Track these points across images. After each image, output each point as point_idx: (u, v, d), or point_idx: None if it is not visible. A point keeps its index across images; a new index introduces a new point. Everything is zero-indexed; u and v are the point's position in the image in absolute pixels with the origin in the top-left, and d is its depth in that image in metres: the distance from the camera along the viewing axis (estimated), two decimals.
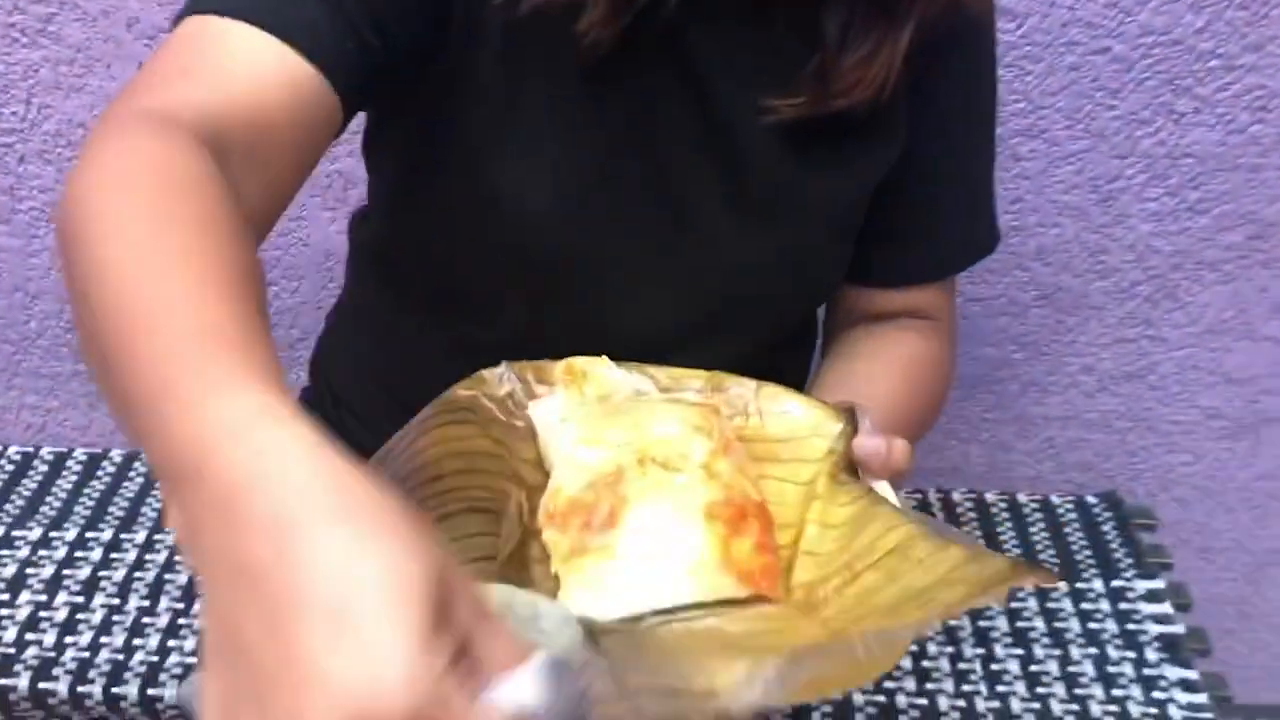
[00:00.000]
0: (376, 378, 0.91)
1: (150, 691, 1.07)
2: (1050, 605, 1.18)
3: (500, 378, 0.71)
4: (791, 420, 0.71)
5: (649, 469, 0.63)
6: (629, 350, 0.73)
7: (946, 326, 0.93)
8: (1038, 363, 1.38)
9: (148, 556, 1.22)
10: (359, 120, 0.75)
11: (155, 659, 1.10)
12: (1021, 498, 1.31)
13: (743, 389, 0.73)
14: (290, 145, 0.58)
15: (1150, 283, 1.28)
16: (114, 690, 1.07)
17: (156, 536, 1.24)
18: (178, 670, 1.09)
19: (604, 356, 0.72)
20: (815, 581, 0.61)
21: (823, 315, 0.96)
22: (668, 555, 0.59)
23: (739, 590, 0.60)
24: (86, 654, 1.10)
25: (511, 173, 0.72)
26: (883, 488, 0.66)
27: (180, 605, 1.16)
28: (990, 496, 1.31)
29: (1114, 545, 1.25)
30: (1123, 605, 1.19)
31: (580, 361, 0.72)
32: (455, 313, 0.83)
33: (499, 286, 0.79)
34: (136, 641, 1.12)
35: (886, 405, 0.77)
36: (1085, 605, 1.19)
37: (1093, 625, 1.16)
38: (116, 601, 1.16)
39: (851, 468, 0.67)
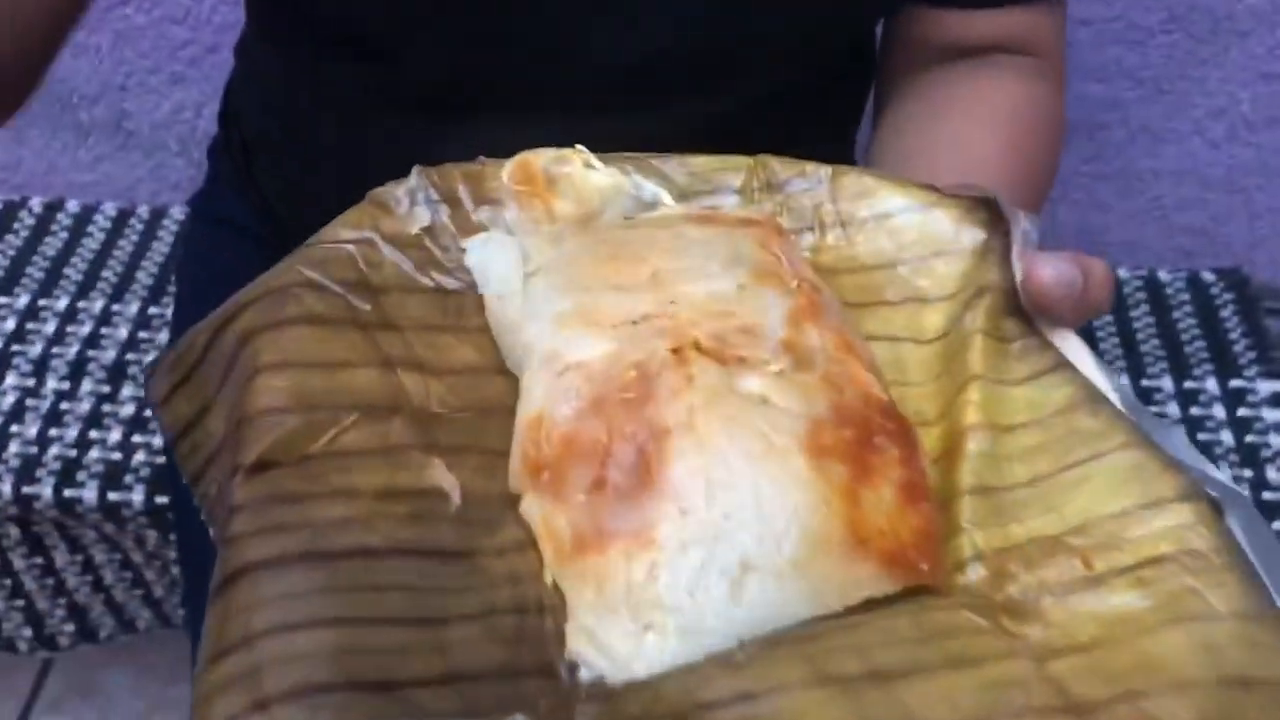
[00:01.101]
0: (282, 120, 0.71)
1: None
2: (1152, 409, 0.99)
3: (410, 198, 0.42)
4: (898, 230, 0.44)
5: (695, 367, 0.36)
6: (602, 97, 0.50)
7: (1055, 65, 0.66)
8: (1155, 104, 1.14)
9: (68, 328, 1.02)
10: None
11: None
12: (1122, 273, 1.09)
13: (810, 182, 0.45)
14: None
15: None
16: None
17: (81, 304, 1.03)
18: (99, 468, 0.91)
19: (579, 148, 0.45)
20: (1004, 551, 0.36)
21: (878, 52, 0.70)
22: (752, 537, 0.33)
23: (883, 583, 0.34)
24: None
25: None
26: (1071, 345, 0.40)
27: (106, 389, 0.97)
28: None
29: (1234, 335, 1.04)
30: (1242, 411, 0.98)
31: (542, 157, 0.44)
32: (350, 45, 0.61)
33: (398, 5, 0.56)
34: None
35: (990, 184, 0.53)
36: (1195, 410, 0.99)
37: (1203, 436, 0.97)
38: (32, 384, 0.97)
39: (1019, 310, 0.41)
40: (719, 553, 0.33)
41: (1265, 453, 0.96)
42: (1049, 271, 0.40)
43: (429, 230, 0.43)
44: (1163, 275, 1.09)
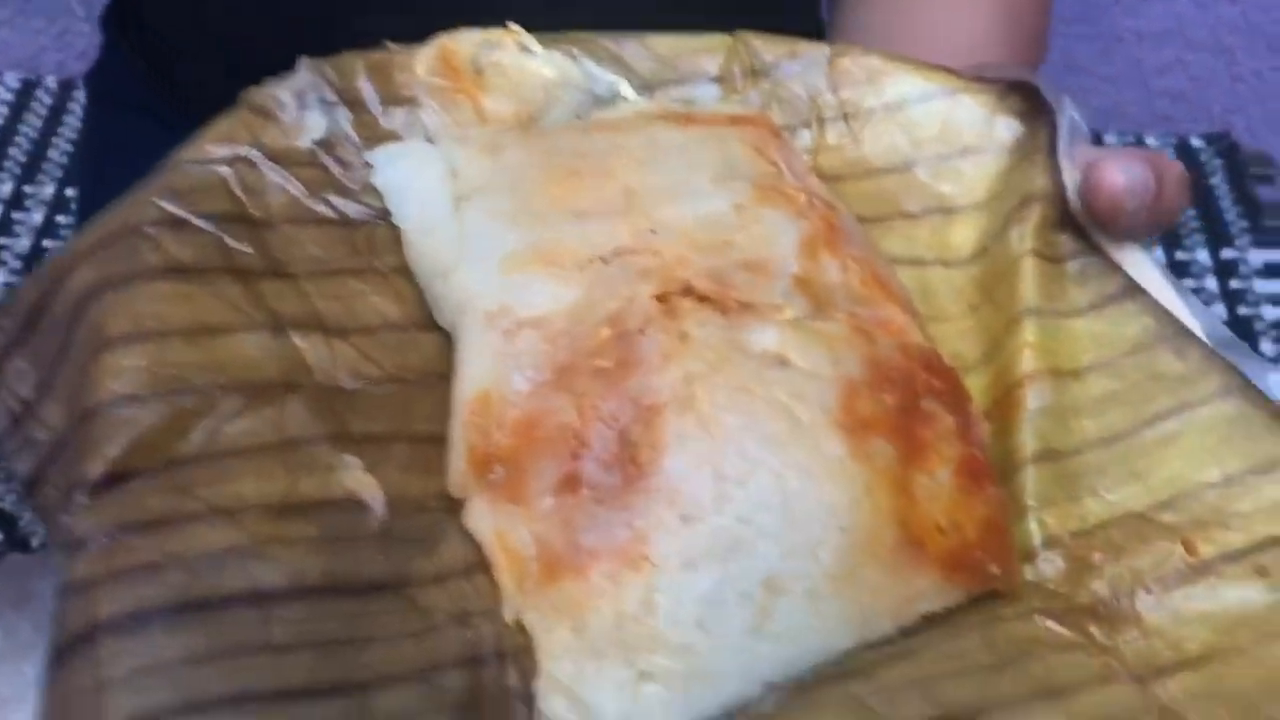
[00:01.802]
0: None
1: None
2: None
3: (298, 101, 0.33)
4: (914, 123, 0.36)
5: (689, 322, 0.27)
6: None
7: None
8: None
9: None
10: None
11: None
12: (1108, 139, 1.02)
13: (802, 63, 0.37)
14: None
15: None
16: None
17: None
18: None
19: (514, 26, 0.36)
20: (1081, 536, 0.29)
21: None
22: (778, 548, 0.25)
23: (944, 595, 0.27)
24: None
25: None
26: (1139, 264, 0.33)
27: None
28: None
29: (1225, 204, 0.99)
30: (1233, 284, 0.94)
31: (467, 42, 0.35)
32: None
33: None
34: None
35: (991, 58, 0.46)
36: (1188, 283, 0.94)
37: None
38: None
39: (1070, 220, 0.33)
40: (735, 571, 0.25)
41: (1258, 325, 0.92)
42: (1121, 177, 0.32)
43: (324, 143, 0.33)
44: (1150, 141, 1.03)
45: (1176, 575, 0.27)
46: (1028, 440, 0.30)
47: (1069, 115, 0.34)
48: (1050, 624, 0.27)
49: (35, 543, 0.98)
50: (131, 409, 0.27)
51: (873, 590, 0.25)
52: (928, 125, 0.36)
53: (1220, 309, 0.94)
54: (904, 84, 0.36)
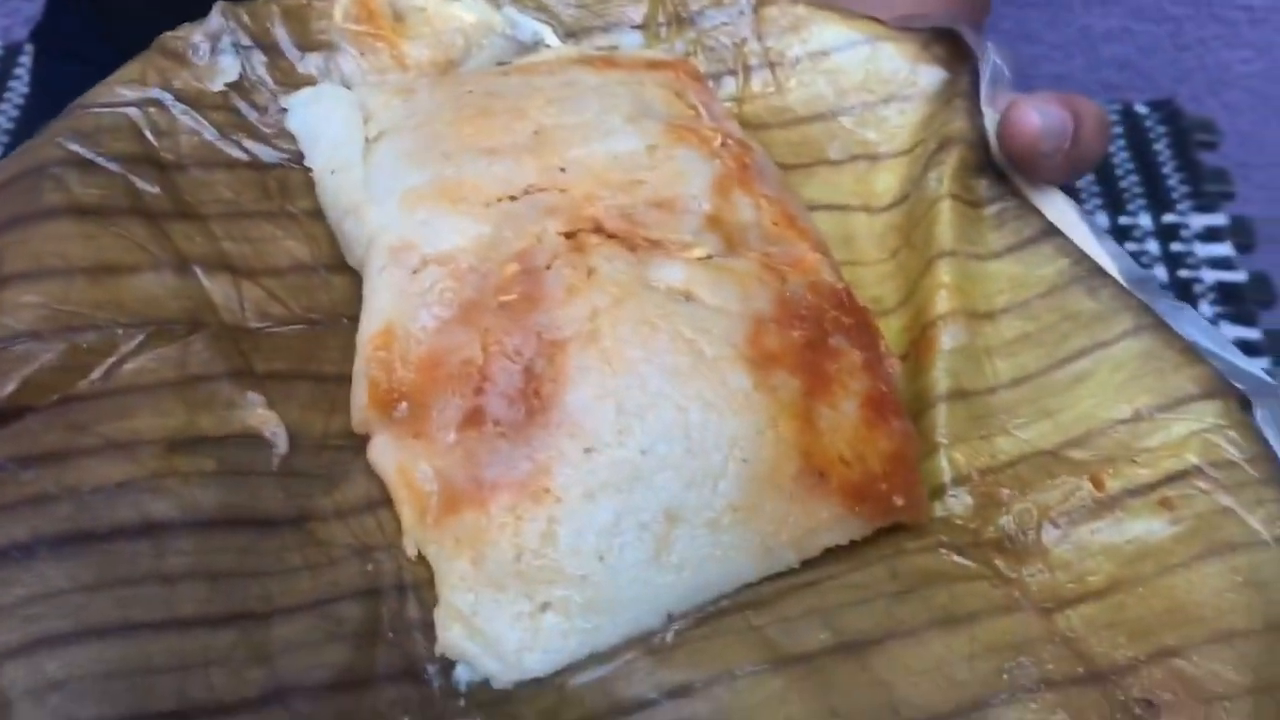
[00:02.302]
0: None
1: None
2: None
3: (210, 43, 0.33)
4: (838, 70, 0.36)
5: (597, 256, 0.27)
6: None
7: None
8: None
9: None
10: None
11: None
12: None
13: (727, 13, 0.37)
14: None
15: None
16: None
17: None
18: None
19: None
20: (990, 472, 0.29)
21: None
22: (680, 478, 0.25)
23: (848, 526, 0.27)
24: None
25: None
26: (1058, 206, 0.33)
27: None
28: None
29: (1167, 169, 1.01)
30: (1175, 246, 0.96)
31: None
32: None
33: None
34: None
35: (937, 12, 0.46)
36: (1130, 246, 0.96)
37: None
38: None
39: (991, 164, 0.33)
40: (636, 501, 0.25)
41: (1198, 287, 0.94)
42: (1035, 118, 0.32)
43: (238, 86, 0.33)
44: None
45: (1082, 510, 0.28)
46: (940, 379, 0.30)
47: (992, 61, 0.34)
48: (956, 557, 0.27)
49: None
50: (28, 344, 0.27)
51: (775, 521, 0.25)
52: (852, 73, 0.36)
53: (1162, 271, 0.95)
54: (828, 32, 0.37)
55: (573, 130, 0.30)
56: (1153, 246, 0.96)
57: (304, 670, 0.24)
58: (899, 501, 0.27)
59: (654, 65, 0.34)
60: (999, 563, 0.27)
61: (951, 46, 0.36)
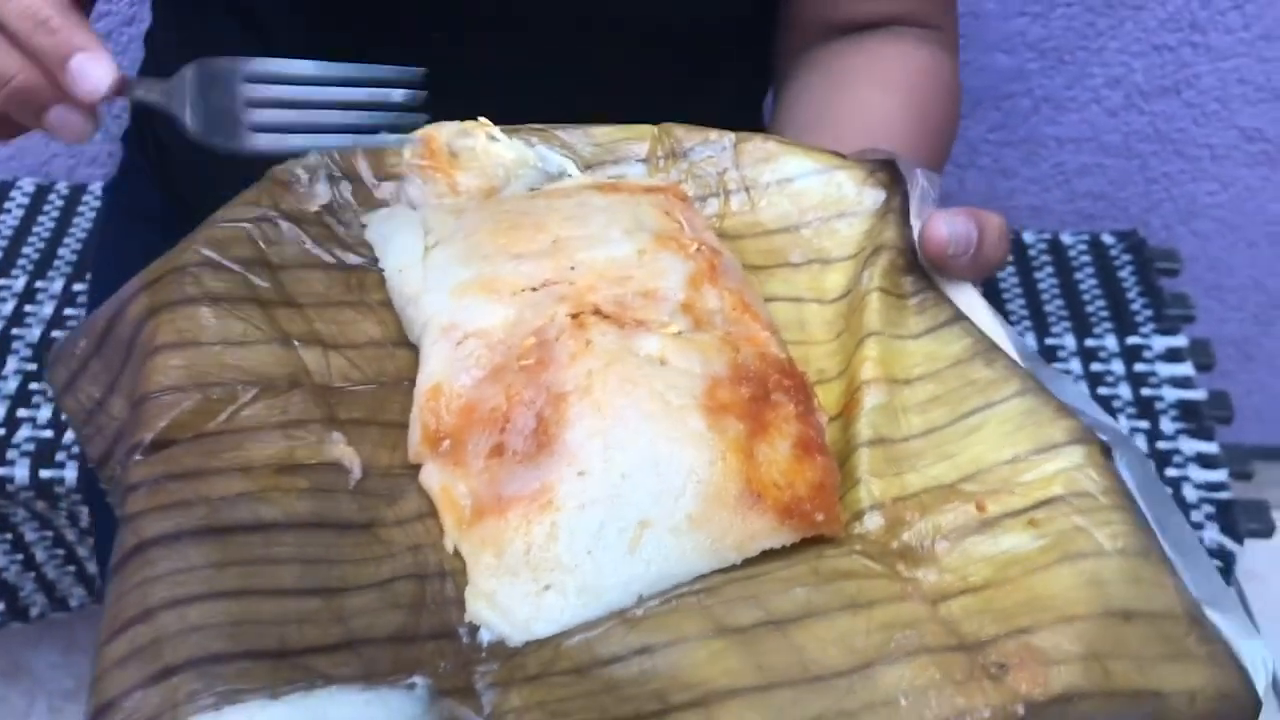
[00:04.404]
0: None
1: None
2: (1057, 365, 1.01)
3: (310, 175, 0.42)
4: (800, 194, 0.44)
5: (594, 331, 0.36)
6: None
7: (949, 34, 0.66)
8: (1057, 74, 1.16)
9: None
10: None
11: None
12: (1028, 237, 1.11)
13: (714, 149, 0.45)
14: None
15: None
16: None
17: (2, 281, 1.01)
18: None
19: (483, 120, 0.45)
20: (900, 500, 0.36)
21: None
22: (649, 494, 0.34)
23: (779, 535, 0.35)
24: None
25: None
26: (968, 298, 0.41)
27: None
28: None
29: (1131, 295, 1.07)
30: (1138, 367, 1.02)
31: (445, 131, 0.44)
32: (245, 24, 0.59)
33: None
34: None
35: (892, 146, 0.54)
36: (1096, 366, 1.01)
37: (1103, 391, 0.99)
38: None
39: (916, 266, 0.41)
40: (617, 511, 0.34)
41: (1159, 405, 0.99)
42: (944, 228, 0.40)
43: (329, 207, 0.42)
44: (1065, 238, 1.12)
45: (968, 528, 0.35)
46: (863, 430, 0.37)
47: (920, 184, 0.42)
48: (866, 561, 0.34)
49: (34, 613, 1.02)
50: (173, 396, 0.36)
51: (722, 529, 0.34)
52: (811, 194, 0.44)
53: (1126, 390, 1.01)
54: (793, 163, 0.45)
55: (581, 239, 0.40)
56: (1117, 367, 1.02)
57: (369, 628, 0.32)
58: (820, 518, 0.35)
59: (650, 189, 0.43)
60: (900, 567, 0.34)
61: (891, 173, 0.44)
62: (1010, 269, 1.10)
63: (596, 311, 0.37)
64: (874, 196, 0.44)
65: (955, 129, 0.64)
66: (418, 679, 0.31)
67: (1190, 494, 0.94)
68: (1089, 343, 1.04)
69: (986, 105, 1.19)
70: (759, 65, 0.68)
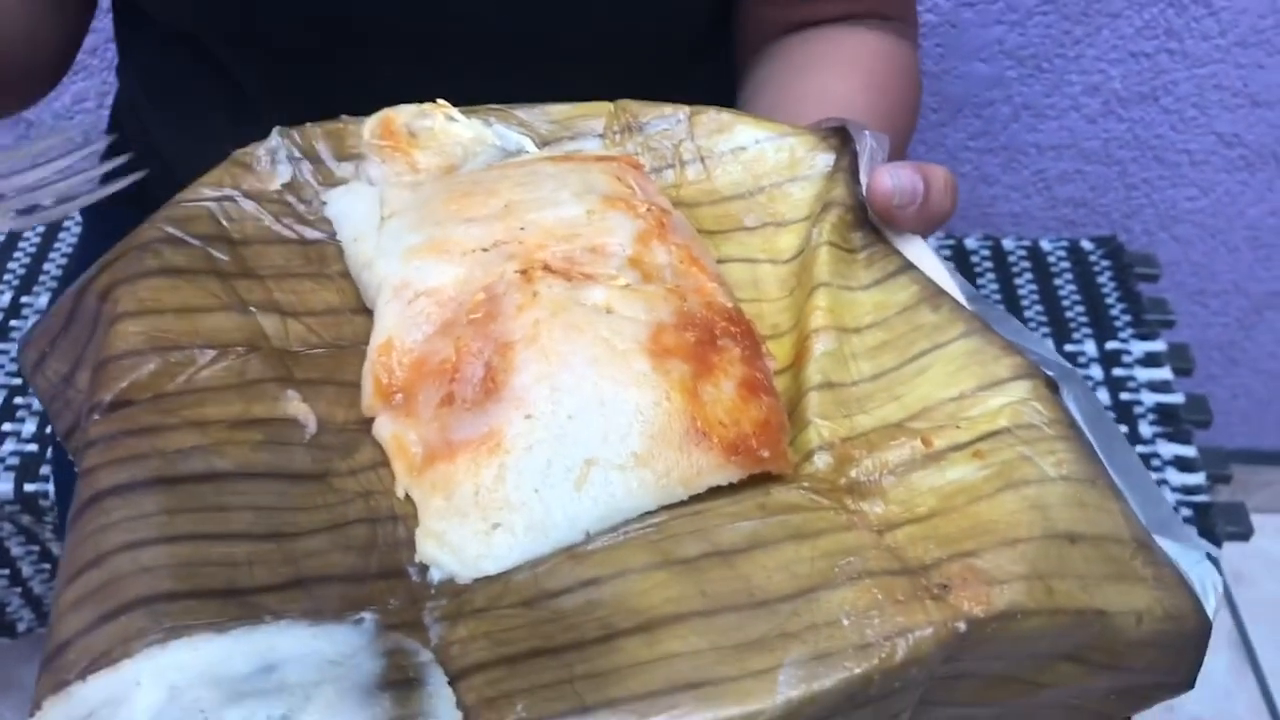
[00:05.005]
0: (161, 148, 0.69)
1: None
2: None
3: (271, 157, 0.43)
4: (753, 160, 0.45)
5: (541, 284, 0.37)
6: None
7: (909, 26, 0.66)
8: (1035, 82, 1.18)
9: None
10: None
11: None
12: (1007, 244, 1.12)
13: (669, 122, 0.46)
14: None
15: None
16: None
17: None
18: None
19: (441, 101, 0.46)
20: (849, 440, 0.37)
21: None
22: (595, 434, 0.34)
23: (725, 471, 0.35)
24: None
25: None
26: (917, 249, 0.41)
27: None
28: (970, 243, 1.12)
29: (1110, 300, 1.08)
30: (1117, 371, 1.02)
31: (404, 113, 0.45)
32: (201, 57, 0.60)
33: None
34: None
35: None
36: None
37: None
38: None
39: (866, 222, 0.42)
40: (563, 451, 0.34)
41: (1138, 409, 0.99)
42: (888, 180, 0.41)
43: (290, 185, 0.43)
44: (1045, 244, 1.13)
45: (914, 462, 0.35)
46: (813, 375, 0.38)
47: (869, 145, 0.43)
48: (813, 496, 0.35)
49: (21, 628, 1.02)
50: (132, 360, 0.36)
51: (668, 465, 0.34)
52: (765, 161, 0.45)
53: (1104, 394, 1.01)
54: (746, 132, 0.46)
55: (532, 202, 0.40)
56: (1096, 371, 1.02)
57: (319, 568, 0.33)
58: (765, 454, 0.35)
59: (602, 159, 0.44)
60: (847, 500, 0.35)
61: (842, 137, 0.45)
62: (990, 275, 1.11)
63: (545, 268, 0.38)
64: (826, 160, 0.45)
65: (916, 112, 0.65)
66: (366, 614, 0.31)
67: (1168, 497, 0.95)
68: (1068, 348, 1.04)
69: (966, 113, 1.20)
70: (721, 70, 0.69)
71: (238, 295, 0.39)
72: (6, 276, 1.06)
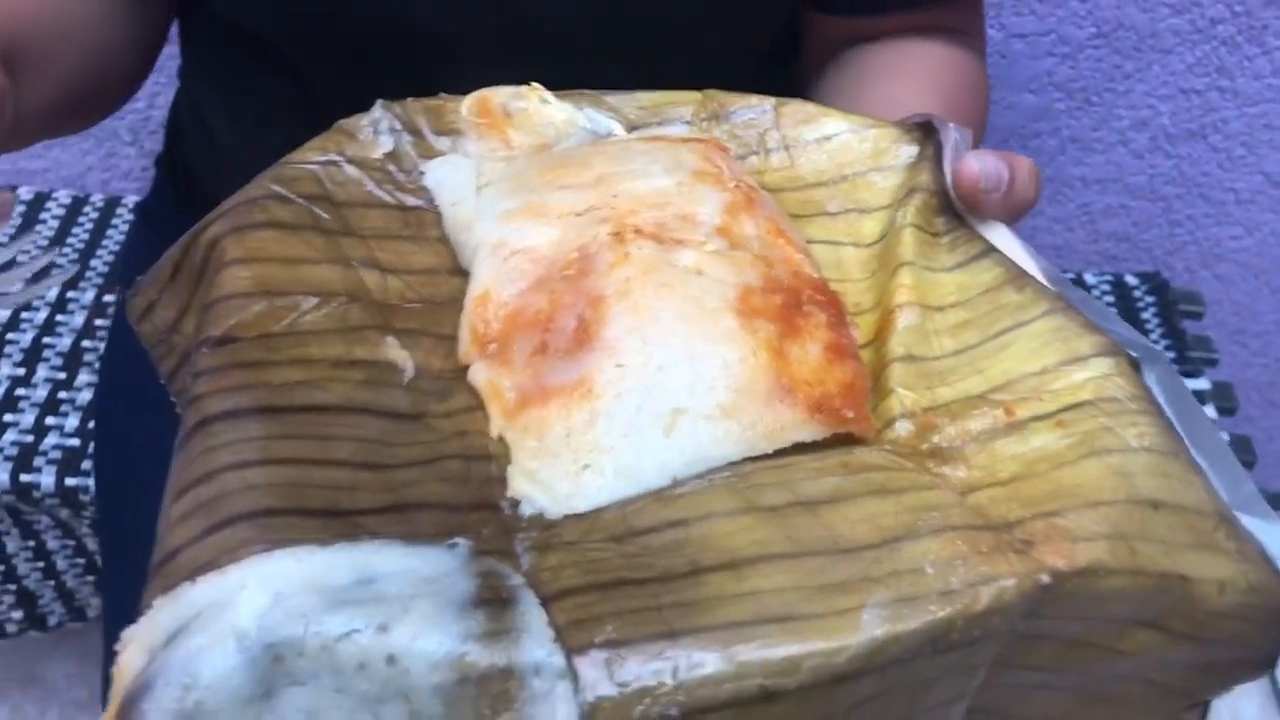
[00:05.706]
0: (219, 150, 0.71)
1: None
2: None
3: (374, 127, 0.45)
4: (838, 150, 0.46)
5: (632, 245, 0.38)
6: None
7: (976, 41, 0.67)
8: (1084, 115, 1.18)
9: (23, 315, 1.01)
10: None
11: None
12: None
13: (755, 112, 0.48)
14: None
15: (1234, 21, 1.08)
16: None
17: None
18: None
19: (535, 85, 0.47)
20: (931, 410, 0.38)
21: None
22: (683, 385, 0.35)
23: (809, 428, 0.36)
24: None
25: None
26: (1001, 236, 0.42)
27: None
28: None
29: (1154, 336, 1.08)
30: None
31: (500, 93, 0.46)
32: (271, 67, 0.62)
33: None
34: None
35: None
36: None
37: None
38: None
39: (950, 208, 0.43)
40: (652, 399, 0.35)
41: None
42: (975, 165, 0.42)
43: (391, 155, 0.45)
44: (1089, 278, 1.13)
45: (997, 430, 0.36)
46: (896, 348, 0.39)
47: (953, 135, 0.45)
48: (896, 458, 0.36)
49: (52, 622, 1.03)
50: (240, 301, 0.38)
51: (753, 419, 0.35)
52: (849, 151, 0.47)
53: None
54: (832, 123, 0.47)
55: (624, 174, 0.42)
56: None
57: (418, 496, 0.34)
58: (849, 414, 0.36)
59: (689, 140, 0.46)
60: (929, 464, 0.36)
61: (926, 131, 0.46)
62: None
63: (637, 231, 0.39)
64: (909, 151, 0.46)
65: (984, 125, 0.66)
66: (460, 540, 0.33)
67: None
68: None
69: (1013, 144, 1.21)
70: (790, 85, 0.71)
71: (340, 250, 0.41)
72: (55, 273, 1.07)
